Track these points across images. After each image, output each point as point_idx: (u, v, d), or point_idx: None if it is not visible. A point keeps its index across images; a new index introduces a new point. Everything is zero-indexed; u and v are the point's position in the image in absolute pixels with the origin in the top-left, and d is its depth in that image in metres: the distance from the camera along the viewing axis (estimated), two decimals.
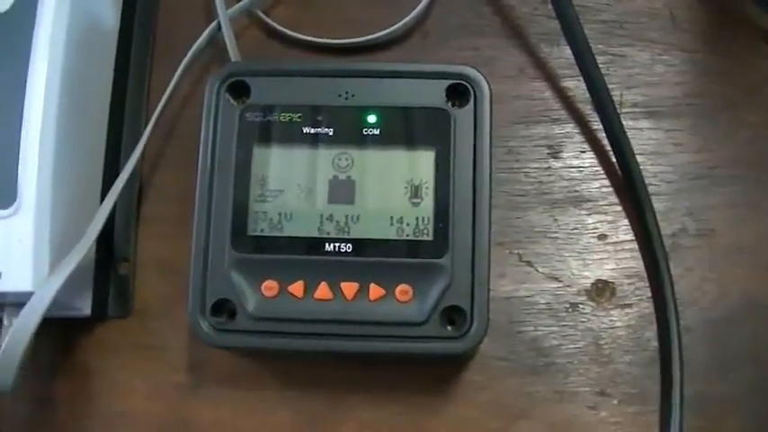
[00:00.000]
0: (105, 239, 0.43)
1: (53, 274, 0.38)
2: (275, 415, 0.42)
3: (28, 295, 0.37)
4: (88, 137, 0.43)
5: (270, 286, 0.37)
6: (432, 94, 0.38)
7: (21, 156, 0.38)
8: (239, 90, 0.39)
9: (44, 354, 0.43)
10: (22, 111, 0.38)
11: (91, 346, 0.43)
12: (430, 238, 0.37)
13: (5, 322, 0.38)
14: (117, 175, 0.43)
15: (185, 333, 0.43)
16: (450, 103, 0.38)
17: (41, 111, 0.39)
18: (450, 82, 0.38)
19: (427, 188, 0.37)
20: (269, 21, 0.47)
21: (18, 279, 0.37)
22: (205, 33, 0.45)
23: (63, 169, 0.39)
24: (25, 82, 0.39)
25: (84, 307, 0.42)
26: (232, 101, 0.39)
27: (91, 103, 0.44)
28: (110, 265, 0.44)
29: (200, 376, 0.43)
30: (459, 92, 0.38)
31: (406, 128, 0.38)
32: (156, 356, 0.43)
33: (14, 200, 0.38)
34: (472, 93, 0.38)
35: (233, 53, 0.44)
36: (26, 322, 0.37)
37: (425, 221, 0.37)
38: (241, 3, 0.46)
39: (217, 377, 0.43)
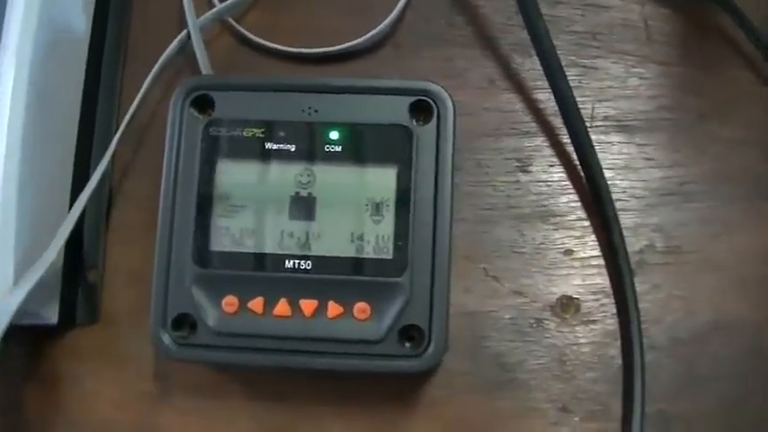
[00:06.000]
0: (74, 246, 0.43)
1: (19, 283, 0.38)
2: (241, 426, 0.42)
3: None
4: (57, 143, 0.43)
5: (230, 302, 0.37)
6: (395, 110, 0.38)
7: None
8: (204, 104, 0.39)
9: (10, 361, 0.43)
10: None
11: (58, 354, 0.43)
12: (389, 256, 0.37)
13: None
14: (87, 181, 0.42)
15: None
16: (413, 120, 0.38)
17: (8, 116, 0.38)
18: (414, 98, 0.38)
19: (388, 206, 0.37)
20: (240, 28, 0.46)
21: None
22: (175, 41, 0.45)
23: (30, 175, 0.39)
24: None
25: (51, 315, 0.42)
26: (196, 114, 0.39)
27: (60, 109, 0.43)
28: (78, 273, 0.44)
29: (167, 385, 0.43)
30: (422, 108, 0.38)
31: (368, 145, 0.38)
32: (124, 364, 0.43)
33: None
34: (435, 109, 0.38)
35: (202, 62, 0.44)
36: None
37: (385, 239, 0.37)
38: (212, 10, 0.46)
39: (184, 386, 0.43)
